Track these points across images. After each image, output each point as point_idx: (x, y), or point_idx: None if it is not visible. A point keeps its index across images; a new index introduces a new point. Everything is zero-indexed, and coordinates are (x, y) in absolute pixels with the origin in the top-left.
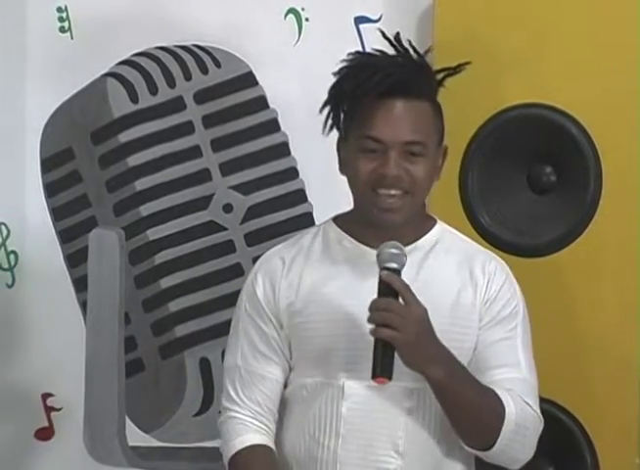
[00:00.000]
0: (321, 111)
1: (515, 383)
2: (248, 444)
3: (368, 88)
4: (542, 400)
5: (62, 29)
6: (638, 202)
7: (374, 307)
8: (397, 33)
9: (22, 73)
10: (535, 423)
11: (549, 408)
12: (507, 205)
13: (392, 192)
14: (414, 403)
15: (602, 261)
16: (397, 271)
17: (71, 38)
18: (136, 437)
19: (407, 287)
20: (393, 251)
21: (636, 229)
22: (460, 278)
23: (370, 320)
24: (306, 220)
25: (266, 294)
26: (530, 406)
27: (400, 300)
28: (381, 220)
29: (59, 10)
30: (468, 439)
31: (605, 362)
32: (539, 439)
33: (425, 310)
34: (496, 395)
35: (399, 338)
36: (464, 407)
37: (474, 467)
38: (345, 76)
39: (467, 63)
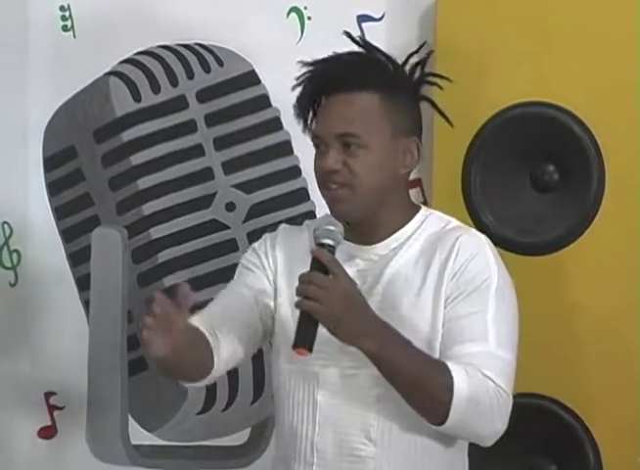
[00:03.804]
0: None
1: (477, 357)
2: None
3: (307, 89)
4: (545, 399)
5: (64, 28)
6: None
7: (299, 280)
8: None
9: (24, 72)
10: (497, 397)
11: (552, 407)
12: (509, 203)
13: (334, 186)
14: (382, 391)
15: (604, 260)
16: (332, 247)
17: (74, 37)
18: (139, 435)
19: (335, 261)
20: (329, 227)
21: (638, 227)
22: (428, 259)
23: (296, 293)
24: (309, 219)
25: (265, 248)
26: (491, 379)
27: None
28: (334, 213)
29: (61, 9)
30: (419, 412)
31: (608, 361)
32: (541, 437)
33: (354, 284)
34: (446, 368)
35: (320, 310)
36: (405, 380)
37: (466, 456)
38: (299, 83)
39: (447, 78)
